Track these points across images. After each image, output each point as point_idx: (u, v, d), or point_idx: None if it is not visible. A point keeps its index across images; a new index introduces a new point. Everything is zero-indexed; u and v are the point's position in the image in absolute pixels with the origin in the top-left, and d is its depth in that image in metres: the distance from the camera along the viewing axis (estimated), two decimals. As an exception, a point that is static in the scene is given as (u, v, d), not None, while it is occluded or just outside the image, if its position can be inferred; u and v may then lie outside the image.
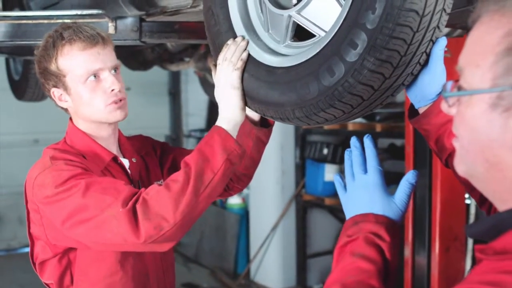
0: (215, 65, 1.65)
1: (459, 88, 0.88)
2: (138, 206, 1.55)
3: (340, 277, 1.09)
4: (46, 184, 1.63)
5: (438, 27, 1.24)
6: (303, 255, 5.49)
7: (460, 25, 2.01)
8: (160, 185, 1.68)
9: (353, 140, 1.28)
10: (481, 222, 0.90)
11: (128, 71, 4.61)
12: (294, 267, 5.54)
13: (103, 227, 1.57)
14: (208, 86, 4.68)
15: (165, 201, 1.55)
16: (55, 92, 1.76)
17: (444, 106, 0.92)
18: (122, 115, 1.77)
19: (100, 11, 2.23)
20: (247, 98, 1.58)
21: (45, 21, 2.30)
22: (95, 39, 1.70)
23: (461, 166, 0.91)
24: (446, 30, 2.32)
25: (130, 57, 4.13)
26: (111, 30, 2.24)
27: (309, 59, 1.37)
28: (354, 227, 1.17)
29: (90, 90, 1.72)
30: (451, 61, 3.50)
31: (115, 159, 1.80)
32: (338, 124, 1.51)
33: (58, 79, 1.73)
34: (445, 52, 2.91)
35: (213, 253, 6.39)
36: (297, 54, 1.45)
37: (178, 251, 6.69)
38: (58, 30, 1.73)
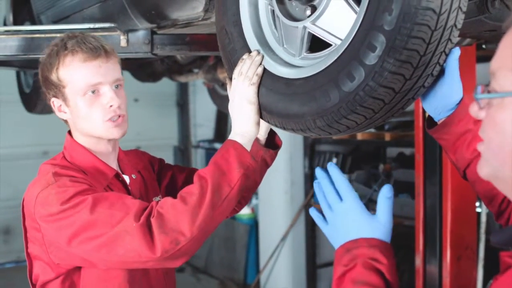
0: (231, 79, 1.64)
1: (490, 91, 0.89)
2: (153, 220, 1.50)
3: None
4: (50, 201, 1.57)
5: (456, 26, 1.24)
6: (313, 265, 5.46)
7: (470, 34, 2.02)
8: (158, 201, 1.66)
9: (318, 171, 1.24)
10: (507, 230, 0.91)
11: (136, 83, 4.64)
12: (304, 277, 5.52)
13: (115, 244, 1.51)
14: (217, 97, 4.70)
15: (182, 214, 1.50)
16: (55, 102, 1.72)
17: (473, 109, 0.93)
18: (119, 133, 1.71)
19: (111, 25, 2.25)
20: (265, 113, 1.57)
21: (57, 35, 2.32)
22: (97, 51, 1.65)
23: (486, 169, 0.92)
24: (456, 39, 2.33)
25: (140, 69, 4.15)
26: (123, 43, 2.26)
27: (327, 66, 1.37)
28: (347, 255, 1.15)
29: (88, 104, 1.67)
30: (460, 70, 3.48)
31: (117, 175, 1.75)
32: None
33: (58, 90, 1.69)
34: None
35: (222, 263, 6.38)
36: (314, 64, 1.45)
37: (188, 261, 6.69)
38: (64, 39, 1.69)
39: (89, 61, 1.65)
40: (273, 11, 1.60)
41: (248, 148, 1.61)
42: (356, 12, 1.36)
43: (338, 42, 1.40)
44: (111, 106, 1.67)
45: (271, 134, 1.84)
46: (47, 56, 1.69)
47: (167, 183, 1.94)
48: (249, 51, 1.60)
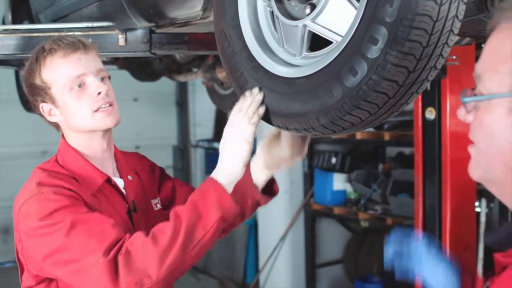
0: (230, 80, 1.63)
1: (477, 94, 0.89)
2: (120, 258, 1.45)
3: None
4: (31, 215, 1.55)
5: (457, 17, 1.24)
6: (312, 264, 5.46)
7: (469, 33, 2.01)
8: (157, 203, 1.63)
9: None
10: (500, 230, 0.91)
11: (135, 82, 4.63)
12: (303, 277, 5.52)
13: (83, 273, 1.48)
14: (216, 96, 4.69)
15: (150, 255, 1.44)
16: (44, 107, 1.70)
17: (461, 113, 0.93)
18: (113, 122, 1.69)
19: (110, 24, 2.24)
20: (267, 114, 1.53)
21: (56, 34, 2.31)
22: (75, 45, 1.65)
23: (477, 172, 0.92)
24: (455, 38, 2.33)
25: (138, 68, 4.14)
26: (121, 42, 2.25)
27: (329, 63, 1.36)
28: None
29: (76, 98, 1.65)
30: (459, 69, 3.47)
31: (108, 180, 1.72)
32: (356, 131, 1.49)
33: (44, 93, 1.67)
34: (453, 60, 2.90)
35: (222, 263, 6.38)
36: (315, 62, 1.44)
37: (187, 261, 6.69)
38: (40, 44, 1.69)
39: (68, 55, 1.65)
40: (272, 12, 1.59)
41: (230, 189, 1.56)
42: (355, 7, 1.36)
43: (339, 39, 1.39)
44: (99, 93, 1.66)
45: (271, 181, 1.82)
46: (28, 64, 1.70)
47: (166, 195, 1.92)
48: (249, 53, 1.58)
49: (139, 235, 1.49)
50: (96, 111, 1.66)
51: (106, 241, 1.48)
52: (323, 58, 1.40)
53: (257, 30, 1.60)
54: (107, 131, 1.73)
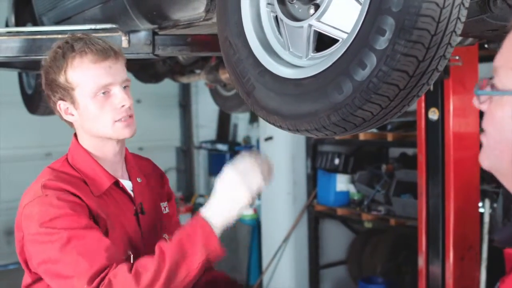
0: (235, 84, 1.64)
1: (492, 87, 0.89)
2: None
3: None
4: (31, 218, 1.57)
5: (463, 4, 1.24)
6: (316, 265, 5.46)
7: (472, 34, 2.01)
8: (165, 206, 1.63)
9: None
10: (508, 227, 0.92)
11: (139, 84, 4.64)
12: (307, 278, 5.51)
13: None
14: (219, 98, 4.70)
15: None
16: (62, 105, 1.69)
17: (475, 102, 0.93)
18: (130, 133, 1.70)
19: (113, 26, 2.25)
20: (277, 117, 1.53)
21: (59, 36, 2.32)
22: (107, 52, 1.64)
23: (486, 161, 0.93)
24: (458, 39, 2.32)
25: (141, 70, 4.15)
26: (124, 44, 2.25)
27: (337, 59, 1.35)
28: None
29: (99, 106, 1.65)
30: (462, 69, 3.47)
31: (116, 183, 1.73)
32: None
33: (66, 92, 1.66)
34: (456, 60, 2.89)
35: (225, 264, 6.38)
36: (323, 61, 1.44)
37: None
38: (69, 41, 1.67)
39: (99, 62, 1.64)
40: (276, 17, 1.59)
41: (219, 231, 1.55)
42: (360, 2, 1.36)
43: (345, 36, 1.39)
44: (122, 106, 1.66)
45: None
46: (52, 59, 1.67)
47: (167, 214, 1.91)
48: (255, 59, 1.58)
49: (123, 269, 1.50)
50: (116, 121, 1.67)
51: (94, 267, 1.49)
52: (331, 55, 1.40)
53: (261, 36, 1.60)
54: (120, 139, 1.74)
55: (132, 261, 1.63)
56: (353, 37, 1.31)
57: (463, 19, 1.26)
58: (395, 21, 1.21)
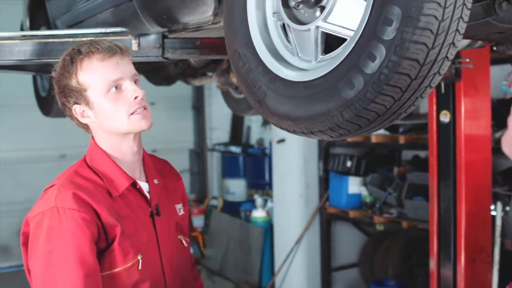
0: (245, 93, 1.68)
1: None
2: None
3: None
4: (37, 229, 1.63)
5: None
6: (328, 268, 5.46)
7: (478, 36, 2.01)
8: (180, 208, 1.68)
9: None
10: None
11: (152, 86, 4.68)
12: (319, 280, 5.51)
13: None
14: (231, 100, 4.71)
15: None
16: (77, 108, 1.72)
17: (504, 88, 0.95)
18: (147, 124, 1.72)
19: (123, 29, 2.27)
20: (290, 122, 1.52)
21: (71, 39, 2.35)
22: (113, 49, 1.69)
23: (506, 148, 0.94)
24: (466, 42, 2.32)
25: (153, 72, 4.17)
26: (134, 47, 2.28)
27: (346, 56, 1.35)
28: None
29: (113, 101, 1.68)
30: (474, 72, 3.46)
31: (133, 184, 1.76)
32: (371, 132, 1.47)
33: (79, 94, 1.69)
34: (467, 63, 2.88)
35: (237, 266, 6.39)
36: (331, 60, 1.44)
37: (203, 264, 6.71)
38: (75, 47, 1.72)
39: (107, 59, 1.68)
40: (283, 25, 1.61)
41: None
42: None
43: (352, 33, 1.39)
44: (136, 97, 1.70)
45: None
46: (61, 66, 1.71)
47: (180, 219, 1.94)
48: (264, 67, 1.59)
49: None
50: (132, 114, 1.70)
51: None
52: (339, 54, 1.40)
53: (269, 44, 1.61)
54: (137, 134, 1.77)
55: (140, 266, 1.68)
56: (360, 32, 1.31)
57: (469, 5, 1.25)
58: (401, 9, 1.21)
